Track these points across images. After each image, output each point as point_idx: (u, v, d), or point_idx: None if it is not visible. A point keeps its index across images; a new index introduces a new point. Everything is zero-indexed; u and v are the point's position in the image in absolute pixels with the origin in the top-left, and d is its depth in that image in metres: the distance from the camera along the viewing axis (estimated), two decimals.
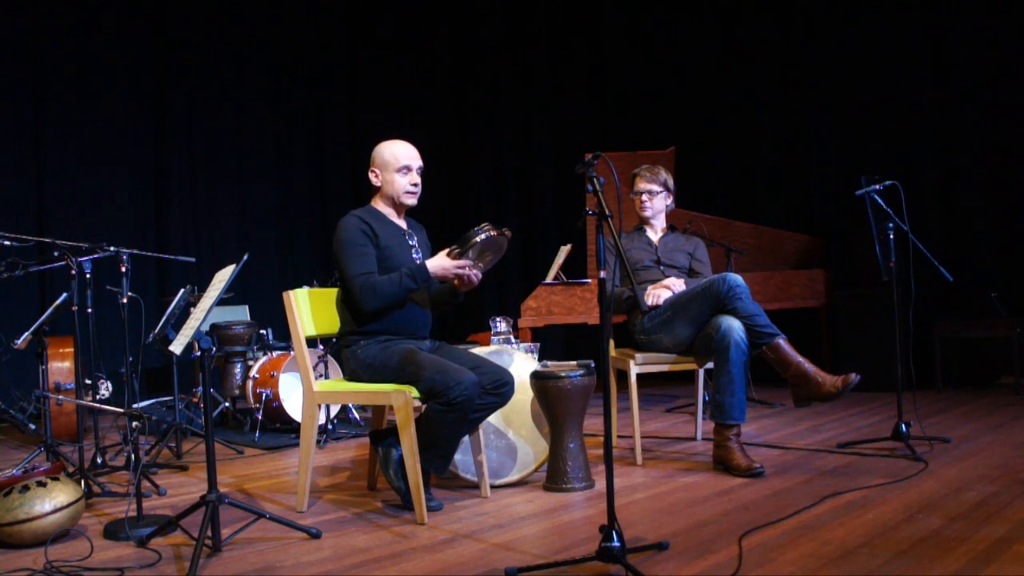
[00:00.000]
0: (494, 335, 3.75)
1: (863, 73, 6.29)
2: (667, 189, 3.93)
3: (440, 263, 2.93)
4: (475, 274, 2.99)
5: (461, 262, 2.92)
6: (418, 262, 3.03)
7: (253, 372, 4.92)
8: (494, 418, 3.27)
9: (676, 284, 3.63)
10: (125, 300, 3.81)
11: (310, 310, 3.13)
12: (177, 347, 2.53)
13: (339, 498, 3.23)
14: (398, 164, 3.08)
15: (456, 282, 3.02)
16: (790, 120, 6.75)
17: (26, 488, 2.64)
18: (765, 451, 3.76)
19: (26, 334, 3.90)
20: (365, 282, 2.93)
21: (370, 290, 2.92)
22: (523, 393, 3.28)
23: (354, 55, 8.02)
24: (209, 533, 2.45)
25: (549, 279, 5.57)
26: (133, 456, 3.41)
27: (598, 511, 2.85)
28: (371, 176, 3.15)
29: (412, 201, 3.13)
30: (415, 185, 3.11)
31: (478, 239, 2.86)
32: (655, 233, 3.96)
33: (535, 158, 8.04)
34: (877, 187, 3.77)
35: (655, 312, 3.59)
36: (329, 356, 4.77)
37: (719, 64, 7.11)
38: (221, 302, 4.30)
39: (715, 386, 3.36)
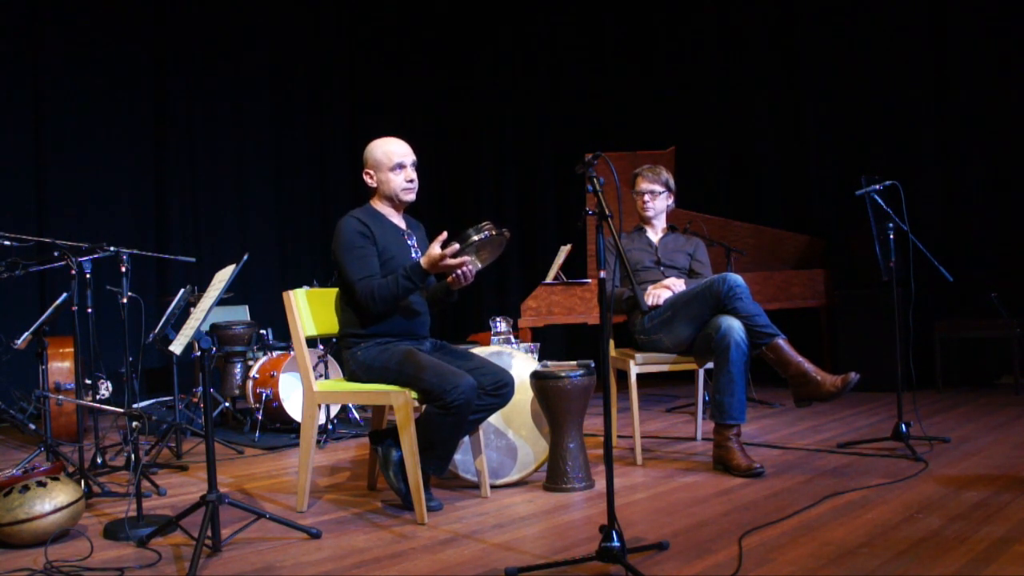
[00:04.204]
0: (494, 335, 3.75)
1: (863, 73, 6.29)
2: (668, 189, 3.93)
3: (432, 258, 2.87)
4: (470, 271, 2.98)
5: (454, 250, 2.86)
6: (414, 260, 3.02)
7: (253, 372, 4.92)
8: (494, 418, 3.26)
9: (676, 284, 3.63)
10: (125, 300, 3.81)
11: (310, 310, 3.13)
12: (177, 347, 2.53)
13: (339, 498, 3.23)
14: (391, 162, 3.07)
15: (450, 279, 3.02)
16: (790, 120, 6.74)
17: (26, 488, 2.64)
18: (765, 451, 3.76)
19: (26, 334, 3.89)
20: (365, 287, 2.93)
21: (369, 295, 2.92)
22: (523, 393, 3.28)
23: (354, 55, 8.02)
24: (209, 533, 2.45)
25: (549, 279, 5.57)
26: (133, 456, 3.41)
27: (598, 511, 2.85)
28: (366, 178, 3.14)
29: (411, 197, 3.12)
30: (411, 181, 3.10)
31: (476, 238, 2.85)
32: (655, 233, 3.96)
33: (535, 158, 8.04)
34: (877, 187, 3.77)
35: (655, 312, 3.59)
36: (329, 356, 4.77)
37: (719, 64, 7.11)
38: (221, 302, 4.29)
39: (715, 386, 3.36)
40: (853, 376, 3.19)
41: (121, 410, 3.34)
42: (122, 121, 6.59)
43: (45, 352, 3.85)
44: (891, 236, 3.76)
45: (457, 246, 2.86)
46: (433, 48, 8.40)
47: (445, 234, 2.90)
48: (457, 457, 3.20)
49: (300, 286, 3.53)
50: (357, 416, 5.20)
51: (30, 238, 3.87)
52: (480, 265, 3.04)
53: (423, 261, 2.90)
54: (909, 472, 3.20)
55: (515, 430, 3.35)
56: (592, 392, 3.23)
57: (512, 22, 8.11)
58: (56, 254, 3.55)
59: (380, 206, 3.15)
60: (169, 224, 6.81)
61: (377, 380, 2.96)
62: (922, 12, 6.05)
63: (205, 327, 2.53)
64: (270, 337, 5.34)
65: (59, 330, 4.84)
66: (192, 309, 3.03)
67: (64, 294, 3.68)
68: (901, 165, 5.91)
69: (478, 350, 3.26)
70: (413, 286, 2.93)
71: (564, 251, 5.63)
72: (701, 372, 4.00)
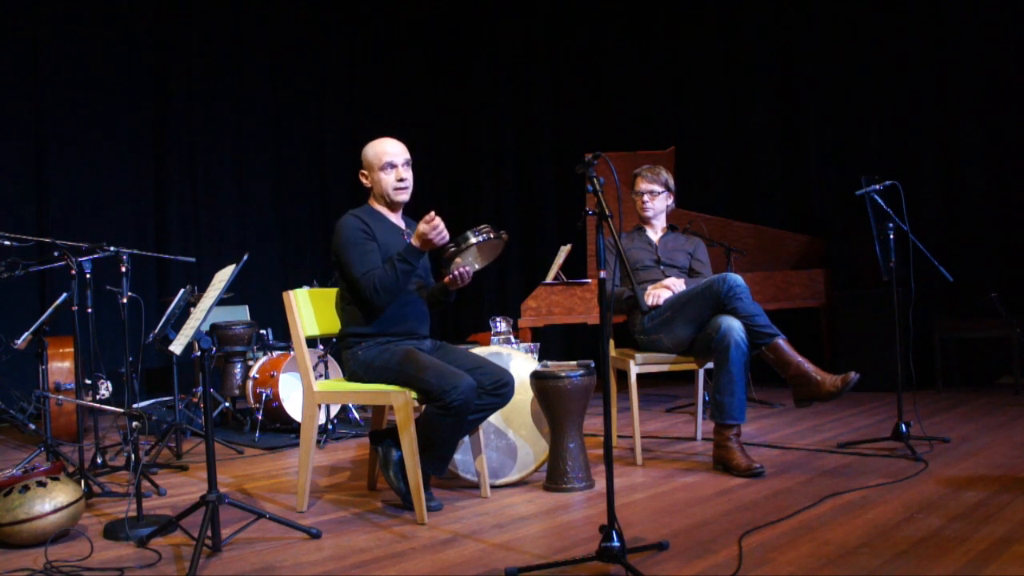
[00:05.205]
0: (494, 335, 3.75)
1: (863, 73, 6.29)
2: (668, 189, 3.93)
3: (419, 234, 2.91)
4: (467, 272, 2.99)
5: (433, 222, 2.89)
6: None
7: (253, 372, 4.92)
8: (494, 418, 3.26)
9: (676, 284, 3.63)
10: (125, 300, 3.81)
11: (310, 310, 3.13)
12: (177, 347, 2.53)
13: (339, 498, 3.23)
14: (381, 162, 3.08)
15: (447, 279, 3.03)
16: (790, 120, 6.75)
17: (26, 488, 2.64)
18: (765, 451, 3.76)
19: (26, 334, 3.90)
20: (368, 280, 2.94)
21: (372, 288, 2.93)
22: (523, 393, 3.28)
23: (354, 55, 8.02)
24: (209, 533, 2.45)
25: (549, 279, 5.57)
26: (133, 456, 3.41)
27: (598, 511, 2.85)
28: (361, 178, 3.16)
29: (403, 197, 3.12)
30: (401, 180, 3.09)
31: (474, 240, 2.87)
32: (655, 233, 3.96)
33: (535, 158, 8.05)
34: (877, 187, 3.77)
35: (655, 312, 3.59)
36: (329, 356, 4.77)
37: (719, 64, 7.11)
38: (221, 302, 4.30)
39: (715, 386, 3.36)
40: (853, 376, 3.19)
41: (121, 410, 3.34)
42: (122, 121, 6.59)
43: (45, 352, 3.86)
44: (891, 236, 3.76)
45: (455, 252, 2.88)
46: (433, 48, 8.40)
47: (433, 212, 2.91)
48: (457, 457, 3.20)
49: (300, 286, 3.53)
50: (357, 416, 5.20)
51: (30, 238, 3.87)
52: (478, 266, 3.05)
53: (413, 239, 2.94)
54: (909, 472, 3.20)
55: (515, 430, 3.35)
56: (592, 392, 3.23)
57: (512, 22, 8.11)
58: (56, 254, 3.55)
59: (377, 206, 3.16)
60: (169, 224, 6.82)
61: (377, 380, 2.96)
62: (922, 12, 6.05)
63: (205, 327, 2.53)
64: (270, 337, 5.34)
65: (59, 330, 4.84)
66: (192, 309, 3.03)
67: (64, 294, 3.68)
68: (901, 165, 5.91)
69: (478, 350, 3.26)
70: (410, 267, 2.94)
71: (564, 251, 5.63)
72: (701, 372, 4.00)
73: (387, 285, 2.93)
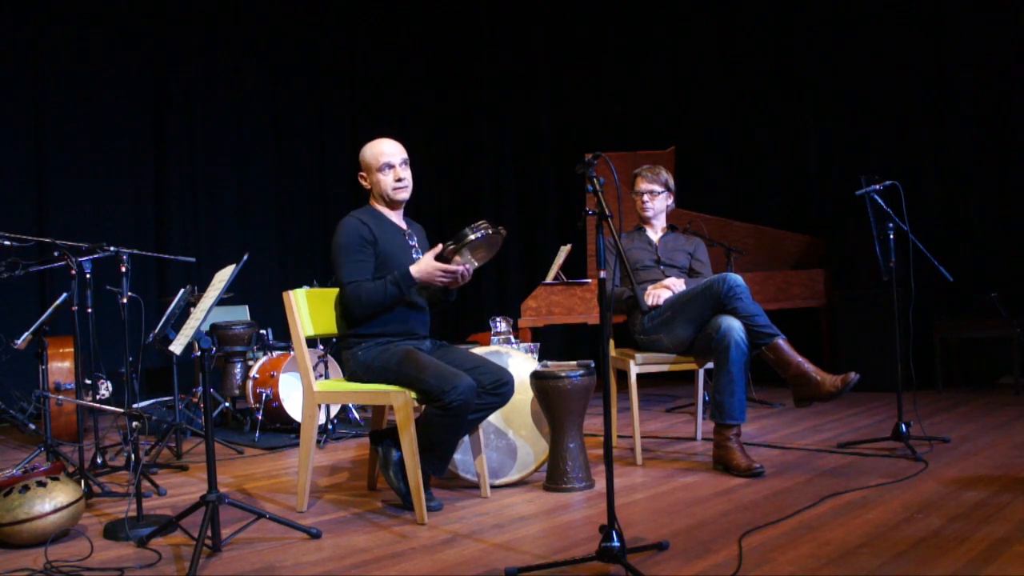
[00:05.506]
0: (494, 335, 3.75)
1: (863, 73, 6.29)
2: (668, 189, 3.93)
3: (425, 268, 2.92)
4: (467, 270, 2.98)
5: (447, 267, 2.90)
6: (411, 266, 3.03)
7: (253, 372, 4.92)
8: (494, 418, 3.27)
9: (676, 284, 3.63)
10: (125, 300, 3.81)
11: (310, 310, 3.13)
12: (177, 347, 2.53)
13: (339, 498, 3.23)
14: (379, 163, 3.10)
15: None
16: (790, 120, 6.75)
17: (26, 488, 2.64)
18: (765, 451, 3.76)
19: (26, 334, 3.90)
20: (354, 290, 2.96)
21: (356, 298, 2.95)
22: (523, 393, 3.28)
23: (354, 54, 8.02)
24: (209, 533, 2.45)
25: (549, 279, 5.57)
26: (133, 456, 3.41)
27: (598, 511, 2.85)
28: (361, 180, 3.17)
29: (403, 196, 3.13)
30: (400, 180, 3.11)
31: (472, 237, 2.86)
32: (655, 233, 3.96)
33: (535, 158, 8.05)
34: (877, 187, 3.77)
35: (655, 312, 3.59)
36: (329, 356, 4.77)
37: (719, 64, 7.11)
38: (221, 302, 4.30)
39: (715, 386, 3.36)
40: (853, 376, 3.18)
41: (121, 410, 3.34)
42: (122, 120, 6.59)
43: (45, 352, 3.86)
44: (891, 236, 3.76)
45: (454, 249, 2.87)
46: (433, 49, 8.39)
47: (441, 246, 2.91)
48: (457, 457, 3.20)
49: (300, 286, 3.53)
50: (357, 416, 5.20)
51: (30, 238, 3.86)
52: (477, 264, 3.05)
53: (414, 270, 2.93)
54: (909, 472, 3.20)
55: (515, 430, 3.35)
56: (592, 392, 3.23)
57: (512, 22, 8.11)
58: (56, 254, 3.55)
59: (378, 207, 3.17)
60: (169, 224, 6.82)
61: (377, 380, 2.96)
62: (922, 12, 6.05)
63: (205, 327, 2.53)
64: (270, 337, 5.34)
65: (59, 330, 4.84)
66: (192, 309, 3.03)
67: (64, 294, 3.68)
68: (901, 165, 5.91)
69: (478, 350, 3.26)
70: (400, 293, 2.95)
71: (564, 251, 5.63)
72: (701, 372, 4.00)
73: (373, 301, 2.95)
